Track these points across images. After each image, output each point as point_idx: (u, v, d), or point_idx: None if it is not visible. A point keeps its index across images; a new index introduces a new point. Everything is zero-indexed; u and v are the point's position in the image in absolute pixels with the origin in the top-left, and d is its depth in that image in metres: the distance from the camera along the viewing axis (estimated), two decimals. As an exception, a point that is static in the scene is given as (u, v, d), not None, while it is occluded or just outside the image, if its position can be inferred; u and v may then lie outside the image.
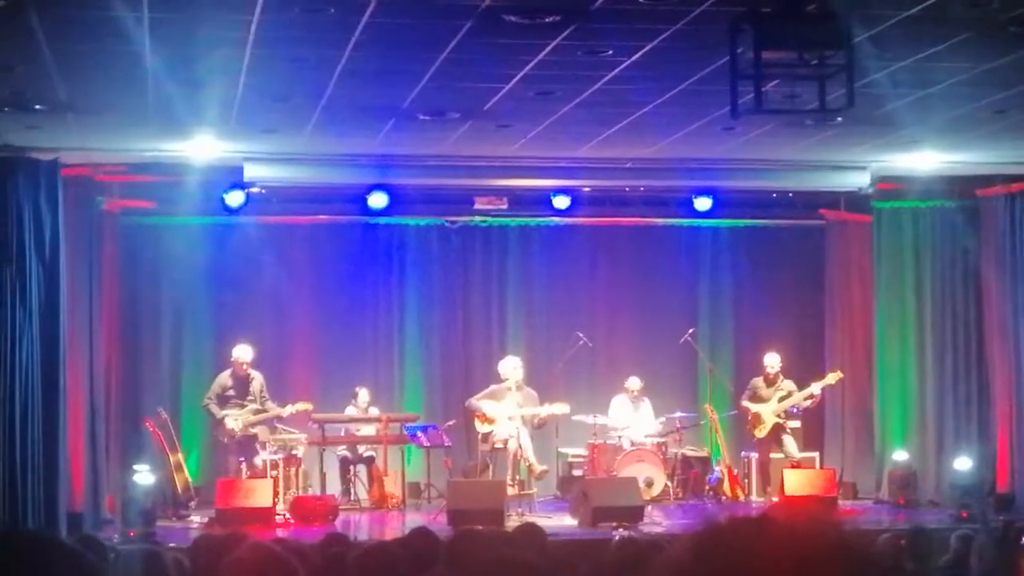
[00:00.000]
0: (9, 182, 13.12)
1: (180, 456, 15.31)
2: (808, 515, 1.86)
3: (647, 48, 9.77)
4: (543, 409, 15.33)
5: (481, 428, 15.41)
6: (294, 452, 15.37)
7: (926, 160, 14.82)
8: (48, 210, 13.24)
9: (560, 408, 15.33)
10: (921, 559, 8.17)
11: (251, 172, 14.51)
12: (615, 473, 15.26)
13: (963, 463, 15.51)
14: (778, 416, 15.80)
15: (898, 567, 6.75)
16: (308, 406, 15.25)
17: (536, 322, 17.48)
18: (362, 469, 15.97)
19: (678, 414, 16.39)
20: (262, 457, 14.97)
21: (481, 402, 15.46)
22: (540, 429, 15.57)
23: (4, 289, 12.97)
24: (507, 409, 15.28)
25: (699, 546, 1.81)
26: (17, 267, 13.00)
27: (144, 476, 14.24)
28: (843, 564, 1.78)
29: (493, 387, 15.59)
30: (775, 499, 15.34)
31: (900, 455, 16.14)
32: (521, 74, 10.53)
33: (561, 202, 16.35)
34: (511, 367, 15.51)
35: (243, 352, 15.27)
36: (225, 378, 15.28)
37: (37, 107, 11.47)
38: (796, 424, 16.21)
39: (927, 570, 7.88)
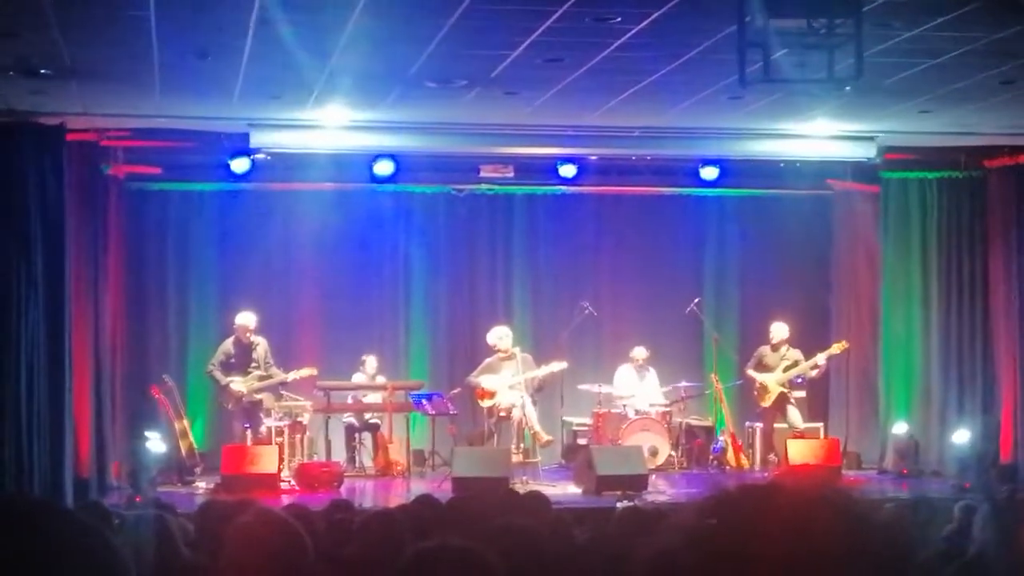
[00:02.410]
0: (14, 148, 13.07)
1: (186, 423, 15.33)
2: (815, 483, 1.85)
3: (655, 15, 9.72)
4: (542, 370, 15.35)
5: (484, 403, 15.41)
6: (299, 419, 15.40)
7: (932, 130, 14.77)
8: (53, 176, 13.19)
9: (557, 366, 15.34)
10: (924, 529, 8.17)
11: (257, 139, 14.48)
12: (620, 442, 15.29)
13: (961, 436, 15.56)
14: (783, 386, 15.80)
15: (903, 536, 6.75)
16: (312, 372, 15.27)
17: (541, 290, 17.48)
18: (367, 436, 16.00)
19: (683, 384, 16.42)
20: (267, 424, 14.99)
21: (479, 378, 15.47)
22: (542, 391, 15.58)
23: (9, 255, 12.94)
24: (506, 379, 15.29)
25: (707, 512, 1.81)
26: (22, 233, 12.98)
27: (156, 443, 14.34)
28: (850, 532, 1.77)
29: (487, 361, 15.61)
30: (779, 469, 15.35)
31: (904, 426, 16.16)
32: (529, 41, 10.49)
33: (567, 171, 16.32)
34: (499, 336, 15.53)
35: (246, 319, 15.27)
36: (228, 345, 15.29)
37: (42, 72, 11.44)
38: (801, 394, 16.21)
39: (930, 540, 7.87)
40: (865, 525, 1.81)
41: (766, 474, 15.56)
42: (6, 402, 12.83)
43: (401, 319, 17.30)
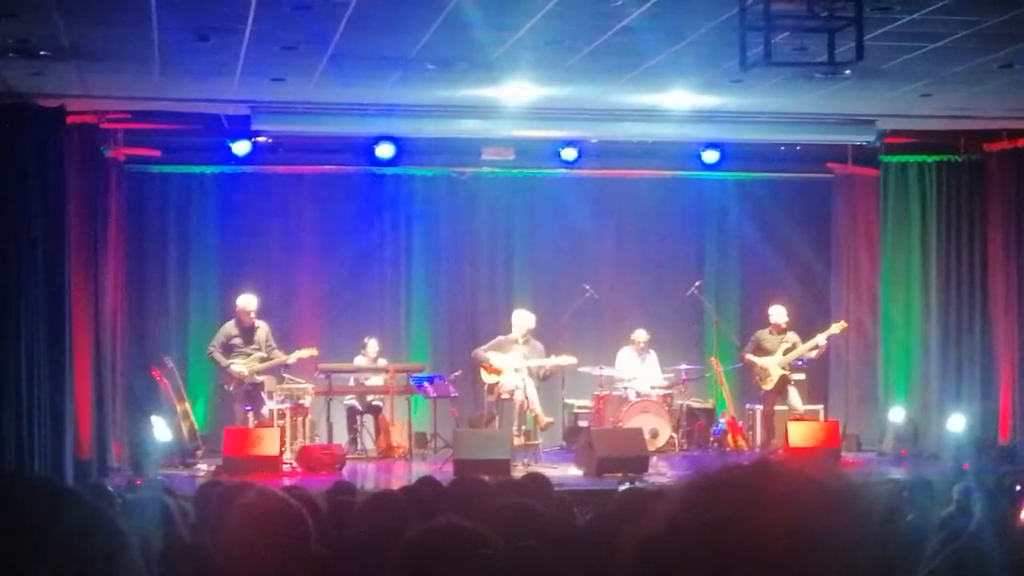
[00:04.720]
0: (14, 130, 13.05)
1: (187, 405, 15.35)
2: (804, 463, 1.84)
3: (656, -2, 9.71)
4: (549, 361, 15.35)
5: (487, 379, 15.42)
6: (301, 402, 15.40)
7: (932, 114, 14.77)
8: (53, 158, 13.17)
9: (567, 360, 15.36)
10: (922, 510, 8.19)
11: (258, 121, 14.48)
12: (621, 424, 15.31)
13: (957, 421, 15.61)
14: (784, 369, 15.82)
15: (898, 516, 6.77)
16: (313, 352, 15.26)
17: (542, 273, 17.47)
18: (369, 419, 16.02)
19: (684, 366, 16.43)
20: (269, 406, 15.00)
21: (488, 353, 15.46)
22: (546, 381, 15.60)
23: (9, 238, 12.93)
24: (513, 360, 15.29)
25: (692, 495, 1.80)
26: (22, 215, 12.96)
27: (161, 429, 14.36)
28: (840, 512, 1.77)
29: (500, 338, 15.59)
30: (779, 451, 15.37)
31: (903, 408, 16.20)
32: (530, 23, 10.48)
33: (568, 154, 16.32)
34: (523, 320, 15.48)
35: (247, 301, 15.25)
36: (230, 328, 15.26)
37: (42, 53, 11.41)
38: (801, 377, 16.22)
39: (928, 521, 7.90)
40: (857, 505, 1.80)
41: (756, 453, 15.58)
42: (6, 384, 12.82)
43: (402, 302, 17.30)
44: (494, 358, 15.36)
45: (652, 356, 16.46)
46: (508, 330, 15.55)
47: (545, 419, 15.24)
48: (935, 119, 15.05)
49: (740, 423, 16.21)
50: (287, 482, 12.46)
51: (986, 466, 14.03)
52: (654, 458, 14.45)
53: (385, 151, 15.70)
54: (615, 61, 11.97)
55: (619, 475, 13.21)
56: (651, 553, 1.77)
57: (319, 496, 6.88)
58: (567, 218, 17.46)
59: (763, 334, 16.06)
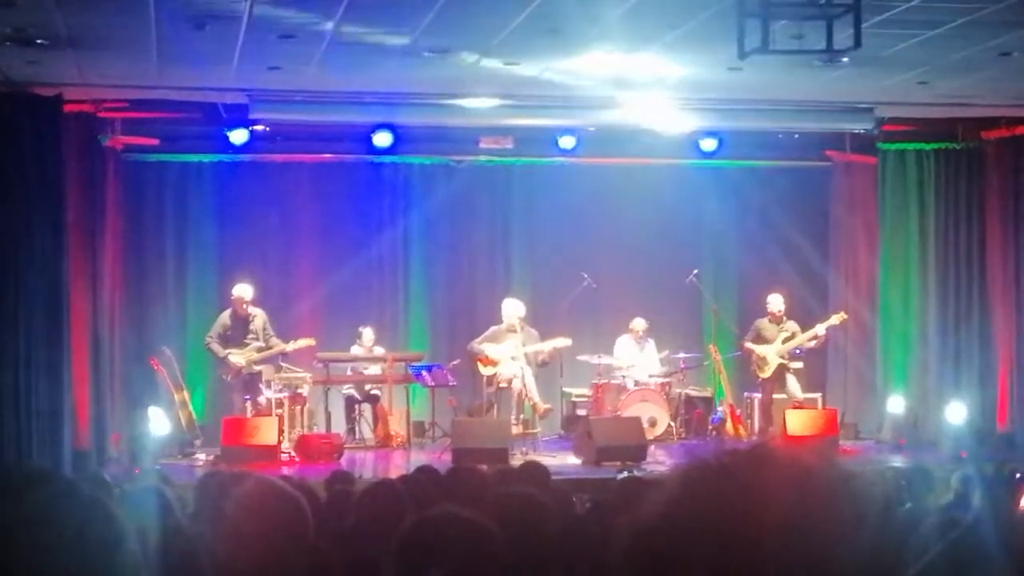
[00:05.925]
0: (11, 118, 13.02)
1: (185, 394, 15.34)
2: (801, 451, 1.83)
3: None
4: (545, 345, 15.36)
5: (485, 371, 15.41)
6: (299, 391, 15.39)
7: (930, 101, 14.76)
8: (50, 147, 13.13)
9: (562, 342, 15.36)
10: (921, 498, 8.20)
11: (256, 110, 14.46)
12: (619, 412, 15.32)
13: (956, 409, 15.61)
14: (782, 357, 15.82)
15: (896, 505, 6.78)
16: (311, 342, 15.25)
17: (541, 262, 17.46)
18: (367, 408, 16.02)
19: (682, 354, 16.44)
20: (267, 395, 14.98)
21: (482, 345, 15.46)
22: (544, 367, 15.59)
23: (6, 227, 12.91)
24: (509, 349, 15.29)
25: (689, 483, 1.79)
26: (19, 204, 12.93)
27: (158, 422, 14.33)
28: (838, 500, 1.76)
29: (492, 329, 15.59)
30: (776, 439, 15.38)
31: (902, 396, 16.20)
32: (528, 11, 10.46)
33: (566, 142, 16.32)
34: (512, 309, 15.49)
35: (243, 291, 15.21)
36: (225, 318, 15.23)
37: (38, 42, 11.38)
38: (799, 365, 16.23)
39: (926, 509, 7.90)
40: (854, 493, 1.79)
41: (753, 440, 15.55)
42: (4, 375, 12.81)
43: (400, 291, 17.30)
44: (489, 349, 15.36)
45: (650, 344, 16.47)
46: (501, 320, 15.56)
47: (543, 406, 15.25)
48: (933, 107, 15.03)
49: (738, 411, 16.22)
50: (285, 471, 12.47)
51: (985, 454, 14.05)
52: (652, 446, 14.47)
53: (383, 139, 15.69)
54: (612, 49, 11.95)
55: (618, 463, 13.22)
56: (647, 542, 1.77)
57: (317, 485, 6.88)
58: (565, 207, 17.44)
59: (763, 323, 16.05)
